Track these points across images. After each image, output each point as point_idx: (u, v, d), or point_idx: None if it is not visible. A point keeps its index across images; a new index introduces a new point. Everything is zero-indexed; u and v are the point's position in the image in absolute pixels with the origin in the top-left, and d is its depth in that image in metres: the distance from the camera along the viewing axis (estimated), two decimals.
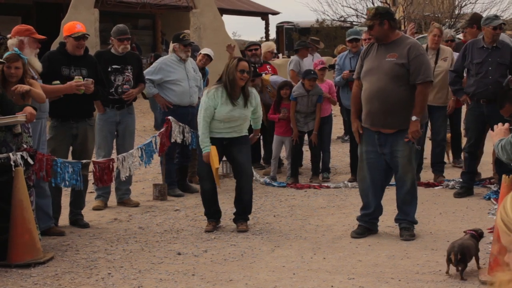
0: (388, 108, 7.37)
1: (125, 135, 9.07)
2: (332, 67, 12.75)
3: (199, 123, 7.87)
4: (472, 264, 6.32)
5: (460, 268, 6.07)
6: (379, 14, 7.50)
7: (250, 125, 8.22)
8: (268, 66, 11.83)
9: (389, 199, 8.04)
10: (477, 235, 6.41)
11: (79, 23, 8.23)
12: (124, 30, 9.08)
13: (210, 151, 7.76)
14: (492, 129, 6.92)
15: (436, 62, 10.16)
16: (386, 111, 7.38)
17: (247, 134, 8.16)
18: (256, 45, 12.03)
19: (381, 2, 33.03)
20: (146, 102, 18.44)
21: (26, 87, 6.94)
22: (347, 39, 11.01)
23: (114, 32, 9.06)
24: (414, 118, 7.35)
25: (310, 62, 12.66)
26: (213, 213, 8.11)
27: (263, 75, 11.25)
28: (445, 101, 10.32)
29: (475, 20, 10.52)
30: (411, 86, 7.39)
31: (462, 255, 6.04)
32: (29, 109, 6.78)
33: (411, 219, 7.62)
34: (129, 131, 9.13)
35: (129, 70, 9.02)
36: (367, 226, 7.70)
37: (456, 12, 29.58)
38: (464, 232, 6.51)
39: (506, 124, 5.04)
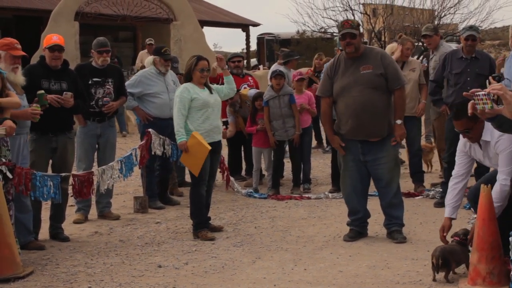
0: (378, 118, 7.62)
1: (106, 148, 9.06)
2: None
3: (174, 115, 8.13)
4: (461, 269, 6.36)
5: (444, 273, 6.12)
6: (356, 26, 7.63)
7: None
8: (250, 78, 11.85)
9: (369, 209, 8.04)
10: (462, 240, 6.42)
11: (57, 35, 8.21)
12: (104, 43, 9.07)
13: (191, 138, 7.99)
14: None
15: None
16: (374, 121, 7.61)
17: (220, 140, 8.50)
18: (239, 56, 12.05)
19: (361, 13, 33.17)
20: (128, 115, 18.42)
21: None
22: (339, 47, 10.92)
23: (94, 45, 9.06)
24: (399, 121, 7.71)
25: (290, 74, 12.71)
26: (205, 221, 8.20)
27: (241, 90, 11.24)
28: (412, 111, 10.31)
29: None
30: (389, 93, 7.68)
31: (444, 259, 6.07)
32: (8, 122, 6.74)
33: (401, 222, 7.82)
34: (110, 144, 9.11)
35: (110, 83, 9.01)
36: (358, 230, 7.91)
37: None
38: (452, 237, 6.55)
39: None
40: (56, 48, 7.99)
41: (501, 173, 6.19)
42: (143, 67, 18.54)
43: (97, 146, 9.09)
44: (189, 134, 8.03)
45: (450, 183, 6.76)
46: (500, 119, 4.96)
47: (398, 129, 7.70)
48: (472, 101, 4.96)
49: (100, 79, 8.95)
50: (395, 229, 7.76)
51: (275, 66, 14.08)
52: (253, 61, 37.99)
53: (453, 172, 6.79)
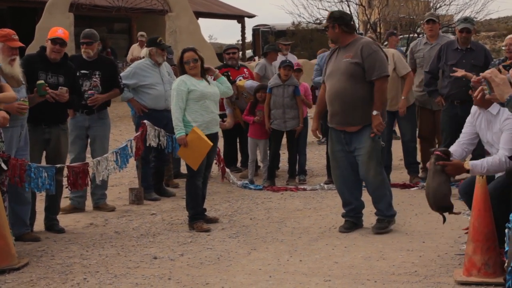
0: (349, 107, 7.61)
1: (95, 141, 9.01)
2: None
3: (172, 109, 8.10)
4: (447, 264, 6.37)
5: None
6: (332, 18, 7.79)
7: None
8: (245, 70, 11.82)
9: (364, 200, 8.04)
10: (443, 156, 6.39)
11: (62, 29, 8.14)
12: (86, 34, 8.99)
13: (192, 133, 7.96)
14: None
15: None
16: (347, 110, 7.62)
17: (217, 132, 8.52)
18: (234, 48, 12.03)
19: (356, 4, 33.15)
20: (122, 106, 18.43)
21: None
22: None
23: (80, 37, 9.03)
24: (374, 112, 7.58)
25: None
26: (201, 212, 8.22)
27: (237, 81, 11.23)
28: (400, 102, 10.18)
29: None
30: (369, 83, 7.60)
31: (442, 208, 6.40)
32: (1, 113, 6.72)
33: (385, 213, 7.81)
34: (99, 137, 9.04)
35: (97, 76, 8.96)
36: (353, 221, 7.91)
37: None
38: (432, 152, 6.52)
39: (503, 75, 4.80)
40: (58, 41, 7.94)
41: (503, 149, 6.14)
42: (133, 59, 18.55)
43: (88, 138, 9.08)
44: (187, 126, 8.01)
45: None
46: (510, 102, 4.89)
47: (374, 120, 7.57)
48: (481, 86, 4.99)
49: (87, 71, 8.90)
50: (377, 219, 7.82)
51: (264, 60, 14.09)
52: (249, 52, 37.98)
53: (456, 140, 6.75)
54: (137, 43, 19.37)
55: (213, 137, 8.24)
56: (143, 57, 10.13)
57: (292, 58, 13.81)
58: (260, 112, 10.78)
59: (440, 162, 6.29)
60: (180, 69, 8.27)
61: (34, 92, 7.46)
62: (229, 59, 11.66)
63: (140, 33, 19.76)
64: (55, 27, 8.31)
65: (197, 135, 7.96)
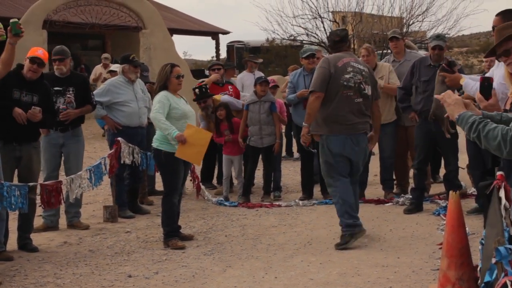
0: None
1: (69, 158, 8.96)
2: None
3: (155, 118, 8.03)
4: (422, 279, 6.39)
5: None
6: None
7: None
8: (230, 87, 11.82)
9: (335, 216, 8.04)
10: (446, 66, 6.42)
11: (42, 49, 8.10)
12: (58, 51, 8.97)
13: (188, 128, 7.98)
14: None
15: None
16: None
17: None
18: (219, 65, 12.06)
19: (330, 20, 33.29)
20: (96, 124, 18.32)
21: None
22: (303, 56, 10.83)
23: (52, 54, 8.98)
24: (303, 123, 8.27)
25: (252, 79, 12.72)
26: (176, 229, 8.20)
27: (215, 95, 11.24)
28: (386, 118, 10.22)
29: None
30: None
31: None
32: None
33: (341, 223, 7.94)
34: (73, 154, 8.99)
35: (71, 92, 8.92)
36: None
37: (404, 30, 29.88)
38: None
39: (457, 95, 4.84)
40: (37, 61, 7.88)
41: None
42: (96, 80, 18.47)
43: (62, 155, 9.02)
44: (169, 144, 7.99)
45: None
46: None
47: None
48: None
49: (61, 88, 8.85)
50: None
51: (243, 74, 14.14)
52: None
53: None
54: (101, 64, 19.18)
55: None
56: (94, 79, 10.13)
57: (259, 75, 13.87)
58: (227, 131, 10.80)
59: (441, 74, 6.30)
60: (161, 84, 8.19)
61: (8, 31, 7.15)
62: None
63: (104, 55, 19.61)
64: (35, 47, 8.27)
65: (195, 128, 7.99)
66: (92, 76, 19.14)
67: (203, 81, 11.70)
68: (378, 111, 8.44)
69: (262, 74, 14.65)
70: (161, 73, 8.26)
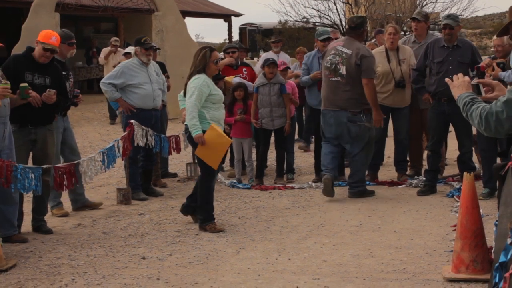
0: None
1: (66, 143, 8.88)
2: None
3: (190, 108, 7.84)
4: (436, 261, 6.38)
5: None
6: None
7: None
8: (244, 69, 11.75)
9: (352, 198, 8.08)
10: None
11: (56, 35, 7.98)
12: (72, 35, 8.91)
13: (210, 130, 7.81)
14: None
15: (399, 64, 10.19)
16: None
17: None
18: (234, 48, 11.99)
19: (343, 2, 33.19)
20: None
21: None
22: (320, 38, 10.83)
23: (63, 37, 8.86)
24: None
25: (275, 60, 12.66)
26: (213, 214, 8.09)
27: (226, 77, 11.21)
28: (402, 102, 10.21)
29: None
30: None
31: None
32: None
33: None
34: (70, 137, 8.96)
35: (72, 76, 8.88)
36: None
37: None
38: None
39: (467, 77, 5.02)
40: (49, 49, 7.86)
41: None
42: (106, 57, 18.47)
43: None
44: (203, 123, 7.87)
45: None
46: None
47: None
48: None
49: (65, 73, 8.76)
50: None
51: (267, 55, 14.13)
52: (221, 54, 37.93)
53: None
54: (109, 46, 19.10)
55: None
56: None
57: (284, 58, 13.82)
58: (240, 110, 10.76)
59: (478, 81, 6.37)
60: (200, 67, 7.97)
61: (17, 94, 7.39)
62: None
63: (114, 39, 19.54)
64: (49, 31, 8.10)
65: (217, 132, 7.81)
66: (101, 57, 19.11)
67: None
68: (367, 89, 9.30)
69: (287, 56, 14.66)
70: (198, 56, 8.04)
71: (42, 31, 7.99)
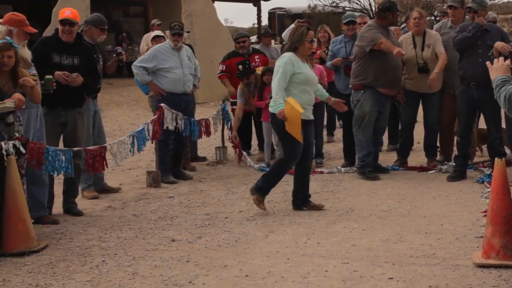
0: None
1: (95, 126, 8.92)
2: None
3: (274, 85, 7.87)
4: (466, 246, 6.36)
5: None
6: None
7: None
8: (256, 57, 11.70)
9: (382, 183, 8.05)
10: None
11: (70, 9, 8.07)
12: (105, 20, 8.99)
13: (287, 103, 7.70)
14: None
15: (422, 49, 10.08)
16: None
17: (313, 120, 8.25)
18: (245, 36, 11.90)
19: None
20: (139, 90, 18.41)
21: (32, 82, 6.91)
22: (344, 21, 10.85)
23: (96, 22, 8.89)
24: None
25: None
26: (267, 192, 8.12)
27: (256, 71, 11.12)
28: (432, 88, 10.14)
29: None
30: None
31: None
32: (17, 95, 6.72)
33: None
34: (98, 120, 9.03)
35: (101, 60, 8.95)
36: None
37: None
38: None
39: (508, 61, 5.07)
40: (66, 22, 7.92)
41: None
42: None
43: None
44: None
45: None
46: None
47: None
48: None
49: (95, 56, 8.77)
50: None
51: None
52: (253, 38, 37.81)
53: None
54: (150, 32, 18.99)
55: (306, 123, 7.97)
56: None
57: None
58: (270, 94, 10.70)
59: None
60: (295, 45, 7.92)
61: (41, 84, 7.45)
62: (240, 48, 11.62)
63: (156, 20, 19.46)
64: (63, 8, 8.26)
65: (290, 105, 7.68)
66: (143, 46, 19.01)
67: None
68: None
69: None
70: (295, 33, 7.99)
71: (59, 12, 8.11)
